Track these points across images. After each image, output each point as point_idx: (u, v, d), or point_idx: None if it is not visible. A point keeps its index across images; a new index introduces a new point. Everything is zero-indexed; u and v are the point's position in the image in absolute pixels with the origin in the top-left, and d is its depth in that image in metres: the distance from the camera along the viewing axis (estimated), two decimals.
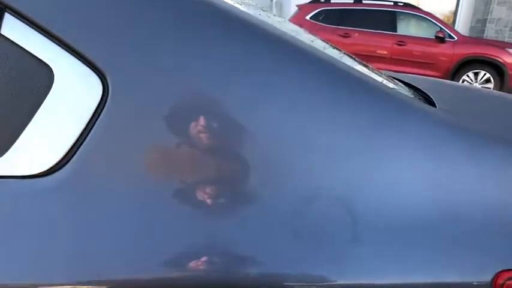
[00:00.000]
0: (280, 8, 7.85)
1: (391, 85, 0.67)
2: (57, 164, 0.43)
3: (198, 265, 0.44)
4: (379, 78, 0.65)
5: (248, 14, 0.53)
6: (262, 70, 0.48)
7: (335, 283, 0.46)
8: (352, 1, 6.05)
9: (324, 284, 0.46)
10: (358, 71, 0.58)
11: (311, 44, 0.59)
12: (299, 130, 0.48)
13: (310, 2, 6.00)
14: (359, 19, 5.70)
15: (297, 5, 6.16)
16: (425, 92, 0.80)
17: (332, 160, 0.48)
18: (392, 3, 5.96)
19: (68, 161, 0.43)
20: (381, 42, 5.66)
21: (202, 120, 0.46)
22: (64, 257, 0.41)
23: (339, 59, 0.60)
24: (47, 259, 0.41)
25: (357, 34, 5.60)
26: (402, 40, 5.65)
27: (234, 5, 0.54)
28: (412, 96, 0.71)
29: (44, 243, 0.41)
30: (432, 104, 0.68)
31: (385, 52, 5.61)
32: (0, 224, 0.41)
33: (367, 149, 0.49)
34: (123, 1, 0.46)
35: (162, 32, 0.46)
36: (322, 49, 0.60)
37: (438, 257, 0.47)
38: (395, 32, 5.78)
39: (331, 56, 0.56)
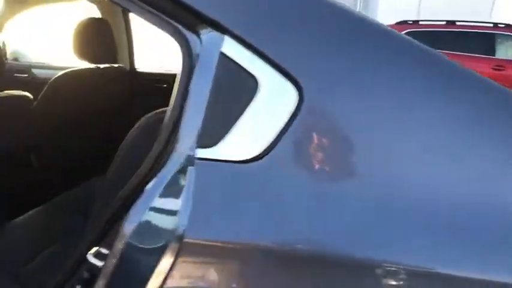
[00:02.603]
0: None
1: None
2: (261, 153, 0.52)
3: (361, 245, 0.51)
4: None
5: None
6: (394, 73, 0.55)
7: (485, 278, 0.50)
8: (444, 23, 5.70)
9: (478, 278, 0.50)
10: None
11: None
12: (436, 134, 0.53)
13: (397, 23, 5.78)
14: (451, 42, 5.33)
15: None
16: None
17: (466, 167, 0.53)
18: (491, 25, 5.50)
19: (269, 151, 0.52)
20: (475, 67, 5.19)
21: (375, 125, 0.53)
22: (265, 228, 0.51)
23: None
24: (252, 230, 0.51)
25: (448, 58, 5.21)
26: (501, 65, 5.15)
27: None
28: None
29: (247, 216, 0.51)
30: None
31: None
32: (217, 197, 0.52)
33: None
34: (316, 29, 0.56)
35: (351, 49, 0.55)
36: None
37: None
38: (493, 55, 5.30)
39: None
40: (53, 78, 1.53)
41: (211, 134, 0.53)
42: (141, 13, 0.60)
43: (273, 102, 0.54)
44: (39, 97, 1.44)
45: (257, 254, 0.51)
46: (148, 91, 2.07)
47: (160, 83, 2.09)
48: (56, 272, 1.04)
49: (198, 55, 0.56)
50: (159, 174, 0.52)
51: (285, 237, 0.51)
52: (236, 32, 0.54)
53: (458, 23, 5.64)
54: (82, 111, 1.66)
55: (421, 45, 0.58)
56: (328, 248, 0.51)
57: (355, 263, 0.50)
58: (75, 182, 1.60)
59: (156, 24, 0.60)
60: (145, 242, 0.52)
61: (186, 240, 0.48)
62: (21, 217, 1.39)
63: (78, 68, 1.63)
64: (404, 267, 0.50)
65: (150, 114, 0.76)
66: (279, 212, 0.51)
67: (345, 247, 0.51)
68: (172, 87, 2.10)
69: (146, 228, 0.51)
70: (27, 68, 2.31)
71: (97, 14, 2.03)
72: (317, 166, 0.53)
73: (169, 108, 0.59)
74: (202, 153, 0.52)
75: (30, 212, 1.42)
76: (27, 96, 1.38)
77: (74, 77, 1.59)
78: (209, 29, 0.56)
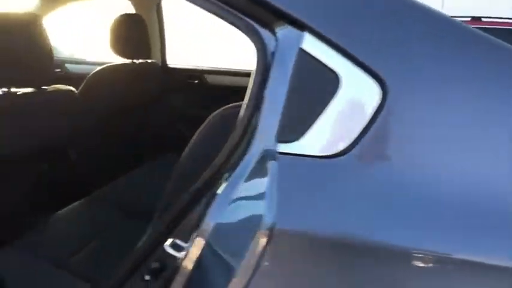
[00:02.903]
0: None
1: None
2: (344, 149, 0.52)
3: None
4: None
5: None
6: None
7: None
8: (469, 19, 5.57)
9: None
10: None
11: None
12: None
13: None
14: None
15: None
16: None
17: None
18: None
19: (352, 148, 0.52)
20: None
21: (457, 124, 0.52)
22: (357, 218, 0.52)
23: None
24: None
25: None
26: None
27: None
28: None
29: (330, 209, 0.52)
30: None
31: None
32: (298, 189, 0.53)
33: None
34: (399, 27, 0.55)
35: (428, 46, 0.54)
36: None
37: None
38: None
39: None
40: (91, 73, 1.56)
41: (293, 130, 0.53)
42: (214, 10, 0.61)
43: (355, 99, 0.53)
44: (78, 92, 1.47)
45: (338, 246, 0.52)
46: (181, 87, 2.09)
47: (192, 78, 2.11)
48: (101, 264, 1.06)
49: (273, 52, 0.56)
50: (239, 167, 0.53)
51: (364, 231, 0.51)
52: (316, 28, 0.54)
53: (484, 19, 5.49)
54: (119, 105, 1.68)
55: (501, 42, 0.57)
56: (407, 241, 0.51)
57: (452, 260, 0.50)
58: (111, 177, 1.63)
59: (229, 22, 0.61)
60: (229, 234, 0.53)
61: (275, 231, 0.49)
62: (63, 210, 1.42)
63: (115, 64, 1.66)
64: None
65: (216, 112, 0.76)
66: (359, 207, 0.52)
67: (427, 241, 0.51)
68: (203, 83, 2.13)
69: (229, 220, 0.52)
70: (61, 63, 2.35)
71: (131, 10, 2.05)
72: (397, 163, 0.53)
73: (243, 105, 0.59)
74: (283, 147, 0.52)
75: (71, 206, 1.45)
76: (72, 91, 1.40)
77: (111, 71, 1.62)
78: (286, 26, 0.56)
